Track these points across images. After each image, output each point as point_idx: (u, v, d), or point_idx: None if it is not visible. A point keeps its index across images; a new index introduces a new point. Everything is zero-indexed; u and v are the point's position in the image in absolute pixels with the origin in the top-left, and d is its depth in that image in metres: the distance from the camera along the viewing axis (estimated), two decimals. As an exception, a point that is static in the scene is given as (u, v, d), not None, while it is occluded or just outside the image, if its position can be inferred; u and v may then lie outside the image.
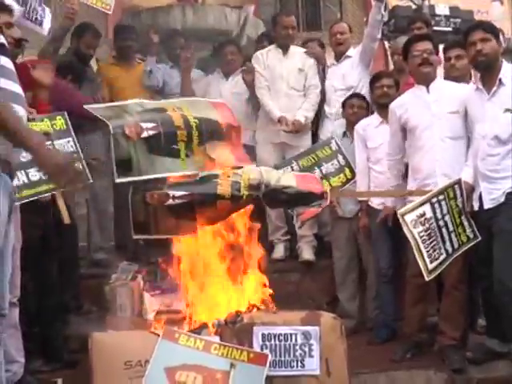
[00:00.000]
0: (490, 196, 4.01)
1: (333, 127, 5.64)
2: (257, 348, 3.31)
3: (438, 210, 3.93)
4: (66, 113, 4.75)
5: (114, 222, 5.83)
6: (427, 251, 3.84)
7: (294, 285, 5.32)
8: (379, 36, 5.81)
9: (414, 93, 4.52)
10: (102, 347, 3.23)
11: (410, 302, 4.49)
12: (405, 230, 3.82)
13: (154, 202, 3.51)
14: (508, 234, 3.90)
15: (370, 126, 4.97)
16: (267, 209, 5.53)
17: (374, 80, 5.04)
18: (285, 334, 3.37)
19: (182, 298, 3.67)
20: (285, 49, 5.90)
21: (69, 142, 4.68)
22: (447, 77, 4.82)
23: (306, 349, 3.37)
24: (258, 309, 3.58)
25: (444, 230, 3.96)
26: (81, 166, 4.63)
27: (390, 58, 6.48)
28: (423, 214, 3.86)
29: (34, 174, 4.26)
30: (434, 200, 3.93)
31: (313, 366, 3.35)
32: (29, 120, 4.01)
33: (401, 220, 3.84)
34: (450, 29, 7.49)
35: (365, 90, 5.55)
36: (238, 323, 3.38)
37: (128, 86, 5.90)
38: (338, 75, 5.83)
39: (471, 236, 4.06)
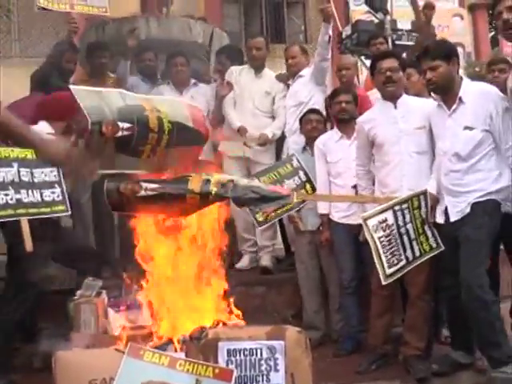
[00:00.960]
0: (456, 209, 4.08)
1: (288, 143, 5.85)
2: (222, 363, 3.30)
3: (400, 218, 4.04)
4: None
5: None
6: (386, 256, 3.95)
7: (259, 298, 5.33)
8: (329, 56, 5.93)
9: (381, 108, 4.58)
10: (65, 366, 3.19)
11: (375, 314, 4.53)
12: (366, 233, 3.96)
13: (127, 192, 3.55)
14: (474, 243, 3.98)
15: (330, 140, 5.03)
16: (235, 221, 5.64)
17: (333, 96, 5.11)
18: (250, 349, 3.36)
19: (146, 314, 3.66)
20: (257, 70, 6.11)
21: (52, 171, 4.65)
22: (406, 93, 4.91)
23: (272, 363, 3.36)
24: (224, 324, 3.58)
25: (405, 237, 4.07)
26: (61, 196, 4.65)
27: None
28: (385, 220, 3.98)
29: (1, 198, 4.25)
30: (397, 208, 4.04)
31: (278, 380, 3.35)
32: (7, 144, 4.02)
33: (363, 223, 3.97)
34: (411, 43, 7.60)
35: (318, 106, 5.69)
36: (202, 339, 3.36)
37: None
38: (291, 93, 6.01)
39: (434, 245, 4.15)
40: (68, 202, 4.69)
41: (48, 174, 4.61)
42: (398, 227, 4.03)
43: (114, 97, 3.71)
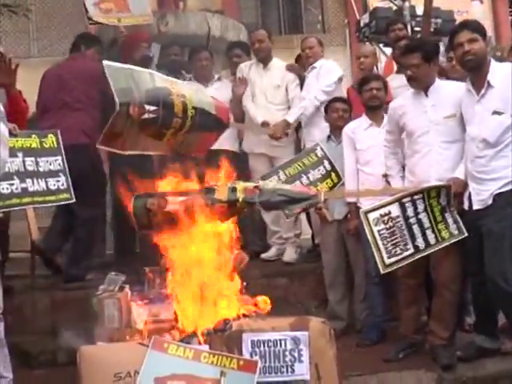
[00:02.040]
0: (478, 197, 4.04)
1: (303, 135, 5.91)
2: (246, 355, 3.30)
3: (409, 209, 4.07)
4: (58, 131, 4.79)
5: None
6: (386, 248, 4.02)
7: (282, 289, 5.32)
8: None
9: (413, 96, 4.50)
10: (90, 360, 3.20)
11: (404, 303, 4.51)
12: (365, 226, 4.05)
13: (155, 207, 3.57)
14: (497, 236, 3.96)
15: (359, 128, 4.99)
16: (263, 214, 5.65)
17: (363, 83, 5.06)
18: (274, 340, 3.36)
19: (170, 308, 3.65)
20: (264, 63, 6.11)
21: (56, 160, 4.77)
22: (448, 78, 4.84)
23: (296, 354, 3.35)
24: (247, 316, 3.57)
25: (416, 227, 4.08)
26: (65, 184, 4.69)
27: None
28: (388, 213, 4.04)
29: (6, 187, 4.28)
30: (406, 200, 4.07)
31: (303, 371, 3.34)
32: (11, 135, 4.03)
33: (363, 217, 4.05)
34: (430, 29, 7.52)
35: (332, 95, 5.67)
36: (226, 331, 3.36)
37: None
38: (306, 85, 5.99)
39: (455, 232, 4.11)
40: (72, 190, 4.77)
41: (53, 162, 4.71)
42: (407, 218, 4.05)
43: (143, 77, 3.77)
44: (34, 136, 4.66)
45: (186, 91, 3.89)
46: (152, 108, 3.58)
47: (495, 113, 3.97)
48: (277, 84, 6.04)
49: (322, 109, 5.59)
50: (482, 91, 4.03)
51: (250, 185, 3.69)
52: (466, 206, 4.15)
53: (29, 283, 5.31)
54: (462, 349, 4.27)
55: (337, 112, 5.28)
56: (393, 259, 4.01)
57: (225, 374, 3.22)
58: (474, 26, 4.10)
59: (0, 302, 3.44)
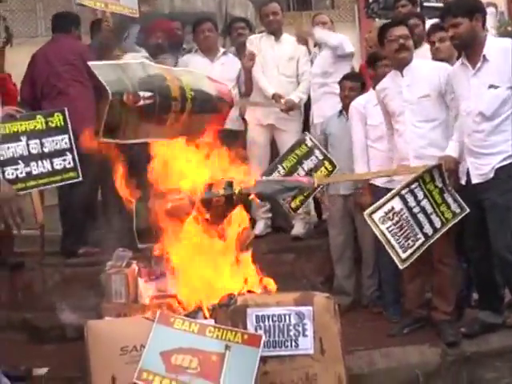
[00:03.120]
0: (478, 171, 4.04)
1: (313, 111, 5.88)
2: (251, 329, 3.35)
3: (410, 200, 4.08)
4: (66, 109, 4.80)
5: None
6: (399, 242, 4.02)
7: (288, 264, 5.34)
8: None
9: (391, 77, 4.54)
10: (97, 334, 3.26)
11: (406, 278, 4.52)
12: (372, 228, 4.03)
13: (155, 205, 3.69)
14: (501, 209, 3.97)
15: (370, 103, 4.95)
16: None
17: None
18: (278, 315, 3.41)
19: (176, 283, 3.70)
20: (276, 36, 6.08)
21: (63, 139, 4.75)
22: (434, 59, 4.82)
23: (300, 328, 3.40)
24: (252, 291, 3.61)
25: (420, 215, 4.10)
26: (72, 163, 4.71)
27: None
28: (391, 209, 4.04)
29: (11, 172, 4.32)
30: (405, 191, 4.08)
31: (307, 345, 3.39)
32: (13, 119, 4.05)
33: (368, 219, 4.02)
34: (440, 4, 7.45)
35: (341, 72, 5.62)
36: (231, 305, 3.41)
37: None
38: (317, 62, 5.98)
39: (457, 211, 4.14)
40: (79, 169, 4.76)
41: (59, 142, 4.69)
42: (410, 209, 4.07)
43: (134, 68, 3.76)
44: (38, 117, 4.67)
45: (182, 75, 3.89)
46: (147, 94, 3.58)
47: (491, 86, 3.97)
48: (289, 56, 6.02)
49: (333, 84, 5.60)
50: (478, 65, 4.02)
51: (248, 180, 3.75)
52: (463, 181, 4.16)
53: (38, 260, 5.36)
54: (467, 325, 4.29)
55: (344, 90, 5.27)
56: (408, 252, 4.02)
57: (229, 348, 3.27)
58: (458, 9, 4.06)
59: None
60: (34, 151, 4.60)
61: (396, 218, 4.03)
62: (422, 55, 4.98)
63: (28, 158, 4.55)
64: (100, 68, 3.64)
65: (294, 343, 3.39)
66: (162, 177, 3.73)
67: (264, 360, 3.30)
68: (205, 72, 5.54)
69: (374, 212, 4.03)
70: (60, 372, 3.84)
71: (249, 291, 3.59)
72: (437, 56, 4.80)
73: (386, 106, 4.53)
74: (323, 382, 3.36)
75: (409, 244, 4.04)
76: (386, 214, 4.02)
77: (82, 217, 5.49)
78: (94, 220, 5.70)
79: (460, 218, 4.12)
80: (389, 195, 4.07)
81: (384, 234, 4.00)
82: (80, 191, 5.38)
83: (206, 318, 3.41)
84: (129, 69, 3.69)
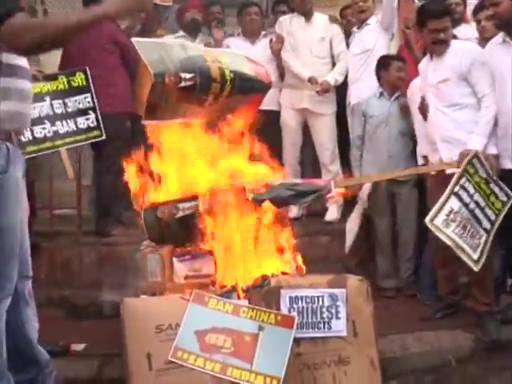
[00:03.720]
0: None
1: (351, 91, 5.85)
2: (284, 311, 3.37)
3: (464, 196, 3.92)
4: (87, 69, 4.83)
5: None
6: (467, 243, 3.83)
7: (323, 248, 5.36)
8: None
9: (425, 60, 4.54)
10: (133, 312, 3.31)
11: (438, 264, 4.50)
12: (438, 234, 3.82)
13: (166, 216, 3.78)
14: None
15: None
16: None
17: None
18: (312, 297, 3.42)
19: (210, 263, 3.74)
20: (307, 16, 6.00)
21: (86, 98, 4.86)
22: (481, 38, 4.75)
23: (333, 311, 3.42)
24: (286, 273, 3.63)
25: (477, 210, 3.95)
26: (95, 122, 4.75)
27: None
28: (451, 210, 3.85)
29: (39, 131, 4.38)
30: (457, 189, 3.91)
31: (340, 327, 3.41)
32: (36, 80, 4.10)
33: (430, 226, 3.83)
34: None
35: (381, 51, 5.62)
36: (265, 286, 3.43)
37: None
38: (356, 41, 5.90)
39: (505, 199, 4.05)
40: (102, 127, 4.84)
41: (81, 101, 4.80)
42: (467, 206, 3.90)
43: (175, 49, 3.79)
44: (60, 77, 4.75)
45: (222, 57, 3.90)
46: (188, 76, 3.60)
47: None
48: (321, 36, 5.95)
49: (371, 66, 5.56)
50: None
51: (258, 184, 3.74)
52: (510, 165, 4.11)
53: (76, 239, 5.46)
54: (502, 311, 4.26)
55: (398, 71, 5.23)
56: (478, 251, 3.87)
57: (263, 329, 3.31)
58: None
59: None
60: (58, 111, 4.71)
61: (458, 219, 3.85)
62: (461, 35, 4.94)
63: (53, 118, 4.65)
64: (143, 46, 3.67)
65: (327, 325, 3.40)
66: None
67: (297, 341, 3.32)
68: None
69: (434, 217, 3.83)
70: (97, 348, 3.92)
71: (283, 273, 3.61)
72: (483, 35, 4.71)
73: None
74: (356, 365, 3.38)
75: (475, 243, 3.88)
76: (448, 216, 3.84)
77: (116, 197, 5.55)
78: (128, 201, 5.79)
79: (509, 205, 4.04)
80: (443, 197, 3.88)
81: (451, 238, 3.80)
82: (113, 172, 5.45)
83: (240, 298, 3.45)
84: (170, 49, 3.72)
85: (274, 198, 3.70)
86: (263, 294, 3.42)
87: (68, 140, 4.75)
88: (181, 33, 6.18)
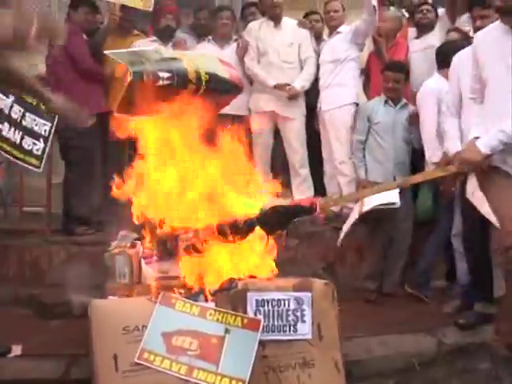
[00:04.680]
0: None
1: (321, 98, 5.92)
2: (250, 313, 3.40)
3: None
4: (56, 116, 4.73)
5: None
6: None
7: (291, 250, 5.40)
8: (376, 22, 5.83)
9: None
10: (100, 313, 3.33)
11: None
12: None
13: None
14: None
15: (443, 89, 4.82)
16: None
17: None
18: (278, 300, 3.46)
19: (179, 265, 3.76)
20: (276, 21, 6.04)
21: (45, 125, 4.74)
22: None
23: (299, 314, 3.46)
24: (253, 276, 3.67)
25: None
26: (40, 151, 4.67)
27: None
28: None
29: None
30: None
31: (305, 330, 3.45)
32: None
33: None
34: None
35: (352, 61, 5.83)
36: (232, 289, 3.47)
37: None
38: (327, 49, 5.97)
39: None
40: (44, 161, 4.70)
41: (40, 125, 4.65)
42: None
43: (150, 53, 3.83)
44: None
45: (197, 59, 3.95)
46: (166, 75, 3.64)
47: None
48: (290, 42, 6.01)
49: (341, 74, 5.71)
50: None
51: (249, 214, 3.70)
52: None
53: (45, 237, 5.45)
54: (464, 317, 4.34)
55: (387, 82, 5.32)
56: None
57: (229, 331, 3.35)
58: None
59: None
60: (14, 115, 4.54)
61: None
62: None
63: (5, 118, 4.48)
64: (116, 54, 3.71)
65: (292, 328, 3.45)
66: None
67: (263, 344, 3.35)
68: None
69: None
70: (65, 348, 3.92)
71: (250, 276, 3.65)
72: None
73: None
74: (320, 368, 3.42)
75: None
76: None
77: (82, 197, 5.59)
78: (95, 201, 5.83)
79: None
80: None
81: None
82: (82, 171, 5.48)
83: (207, 300, 3.48)
84: (146, 53, 3.77)
85: (264, 221, 3.67)
86: (230, 296, 3.45)
87: (4, 146, 4.57)
88: (154, 37, 6.18)
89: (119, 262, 3.81)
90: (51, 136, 4.73)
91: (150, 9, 5.92)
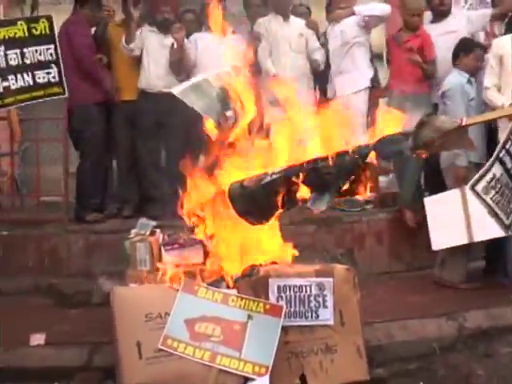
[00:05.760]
0: None
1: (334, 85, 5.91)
2: (272, 300, 3.41)
3: (507, 160, 3.93)
4: (52, 16, 4.49)
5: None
6: (502, 210, 3.89)
7: (309, 236, 5.39)
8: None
9: None
10: (123, 301, 3.35)
11: None
12: (476, 200, 3.89)
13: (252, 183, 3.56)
14: None
15: None
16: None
17: None
18: (299, 286, 3.46)
19: (200, 252, 3.77)
20: (285, 17, 6.11)
21: (48, 49, 4.39)
22: None
23: (320, 300, 3.47)
24: (274, 262, 3.67)
25: None
26: (57, 77, 4.44)
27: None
28: (493, 177, 3.89)
29: None
30: (502, 153, 3.90)
31: (327, 316, 3.46)
32: None
33: (471, 192, 3.89)
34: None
35: (361, 43, 5.86)
36: (254, 276, 3.48)
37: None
38: (336, 34, 6.01)
39: None
40: (65, 84, 4.43)
41: (43, 52, 4.33)
42: (508, 171, 3.91)
43: (205, 87, 3.93)
44: (20, 23, 4.25)
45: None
46: (229, 113, 3.74)
47: None
48: (299, 32, 6.09)
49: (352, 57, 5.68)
50: None
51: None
52: None
53: (63, 227, 5.46)
54: None
55: (477, 60, 5.26)
56: (510, 217, 3.92)
57: (251, 318, 3.36)
58: None
59: None
60: (12, 62, 4.20)
61: (498, 185, 3.89)
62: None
63: (6, 71, 4.16)
64: (185, 95, 3.83)
65: (314, 314, 3.45)
66: None
67: (285, 330, 3.36)
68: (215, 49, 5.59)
69: (476, 184, 3.88)
70: (86, 336, 3.93)
71: (272, 262, 3.65)
72: None
73: None
74: (342, 353, 3.43)
75: (510, 208, 3.91)
76: (489, 183, 3.89)
77: (93, 183, 5.65)
78: (106, 188, 5.91)
79: None
80: (488, 164, 3.89)
81: (488, 205, 3.87)
82: (93, 160, 5.50)
83: (229, 287, 3.48)
84: (202, 88, 3.87)
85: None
86: (252, 283, 3.46)
87: (20, 97, 4.21)
88: (154, 27, 6.14)
89: (140, 249, 3.83)
90: (59, 55, 4.44)
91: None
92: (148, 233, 4.03)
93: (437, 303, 4.49)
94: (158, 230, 4.04)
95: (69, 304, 4.69)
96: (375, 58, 6.24)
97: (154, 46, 5.92)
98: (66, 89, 4.47)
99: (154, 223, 4.17)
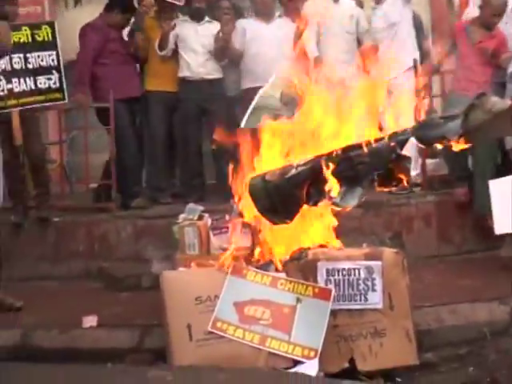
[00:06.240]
0: None
1: None
2: (321, 283, 3.41)
3: None
4: (55, 23, 4.60)
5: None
6: None
7: (356, 220, 5.36)
8: None
9: None
10: (172, 284, 3.39)
11: None
12: None
13: (275, 177, 3.54)
14: None
15: None
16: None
17: None
18: (348, 269, 3.45)
19: (248, 236, 3.78)
20: None
21: (50, 55, 4.49)
22: None
23: (369, 283, 3.45)
24: (323, 245, 3.66)
25: None
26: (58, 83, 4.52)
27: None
28: None
29: None
30: None
31: (376, 299, 3.44)
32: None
33: None
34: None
35: (407, 26, 5.80)
36: (302, 259, 3.47)
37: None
38: (380, 16, 5.96)
39: None
40: (65, 90, 4.53)
41: (45, 58, 4.41)
42: None
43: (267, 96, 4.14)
44: (24, 28, 4.36)
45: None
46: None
47: None
48: (350, 13, 6.06)
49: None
50: None
51: None
52: None
53: (112, 213, 5.54)
54: None
55: None
56: None
57: (300, 301, 3.36)
58: None
59: None
60: (16, 66, 4.31)
61: None
62: None
63: (10, 74, 4.25)
64: (250, 122, 4.06)
65: (363, 297, 3.44)
66: None
67: (334, 313, 3.36)
68: (260, 34, 5.76)
69: None
70: (136, 319, 4.00)
71: (320, 245, 3.64)
72: None
73: None
74: (392, 337, 3.41)
75: None
76: None
77: (133, 171, 5.75)
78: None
79: None
80: None
81: None
82: (127, 150, 5.59)
83: (277, 270, 3.49)
84: (260, 106, 3.98)
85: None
86: (300, 266, 3.46)
87: (23, 101, 4.34)
88: (187, 17, 6.16)
89: (188, 233, 3.86)
90: (61, 61, 4.56)
91: (182, 3, 5.92)
92: (196, 217, 4.06)
93: (488, 287, 4.40)
94: (206, 215, 4.07)
95: (119, 287, 4.78)
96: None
97: (189, 35, 5.97)
98: (65, 95, 4.60)
99: (201, 208, 4.20)
